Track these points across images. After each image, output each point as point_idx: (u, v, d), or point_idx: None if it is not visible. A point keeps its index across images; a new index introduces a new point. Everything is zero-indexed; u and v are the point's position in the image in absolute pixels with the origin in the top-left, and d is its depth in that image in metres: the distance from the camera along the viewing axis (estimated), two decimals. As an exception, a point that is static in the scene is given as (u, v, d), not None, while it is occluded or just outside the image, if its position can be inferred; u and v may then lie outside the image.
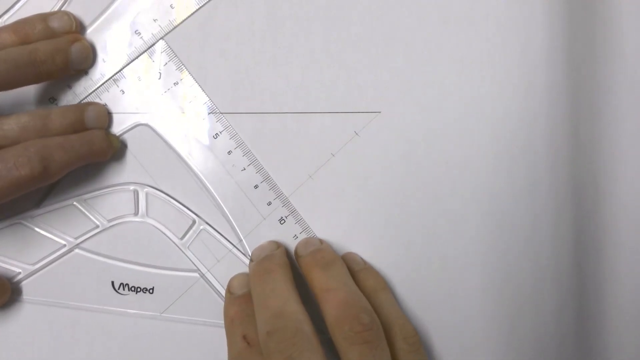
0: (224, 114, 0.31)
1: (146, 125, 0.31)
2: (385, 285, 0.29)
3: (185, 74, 0.31)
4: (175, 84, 0.31)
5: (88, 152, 0.29)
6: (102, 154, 0.30)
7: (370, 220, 0.30)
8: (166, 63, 0.31)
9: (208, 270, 0.31)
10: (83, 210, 0.31)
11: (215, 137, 0.31)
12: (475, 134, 0.30)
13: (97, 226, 0.31)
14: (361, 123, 0.30)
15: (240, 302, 0.28)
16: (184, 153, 0.31)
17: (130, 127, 0.31)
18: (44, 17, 0.29)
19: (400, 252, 0.30)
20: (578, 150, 0.30)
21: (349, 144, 0.30)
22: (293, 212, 0.31)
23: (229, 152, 0.31)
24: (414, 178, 0.30)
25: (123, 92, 0.31)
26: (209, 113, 0.31)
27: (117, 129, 0.31)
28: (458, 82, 0.30)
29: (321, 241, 0.30)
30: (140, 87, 0.31)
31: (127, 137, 0.31)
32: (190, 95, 0.31)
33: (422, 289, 0.30)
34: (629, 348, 0.29)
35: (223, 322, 0.28)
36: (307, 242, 0.30)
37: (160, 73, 0.31)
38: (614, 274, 0.30)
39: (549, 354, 0.30)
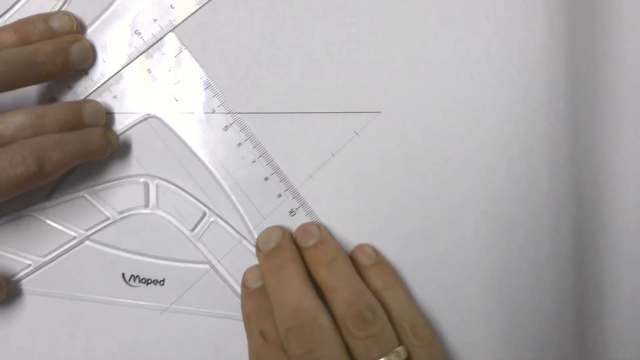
0: (231, 113, 0.31)
1: (156, 117, 0.31)
2: (396, 280, 0.29)
3: (195, 66, 0.31)
4: (186, 76, 0.31)
5: (85, 151, 0.28)
6: (99, 152, 0.29)
7: (369, 220, 0.30)
8: (176, 55, 0.31)
9: (218, 261, 0.31)
10: (93, 202, 0.31)
11: (225, 129, 0.31)
12: (475, 133, 0.30)
13: (108, 218, 0.31)
14: (361, 123, 0.30)
15: (256, 297, 0.29)
16: (194, 145, 0.31)
17: (140, 119, 0.31)
18: (44, 17, 0.29)
19: (400, 252, 0.30)
20: (578, 150, 0.30)
21: (349, 144, 0.30)
22: (303, 204, 0.31)
23: (239, 145, 0.31)
24: (414, 178, 0.30)
25: (125, 90, 0.31)
26: (218, 105, 0.31)
27: (120, 126, 0.31)
28: (458, 82, 0.30)
29: (319, 228, 0.30)
30: (145, 84, 0.31)
31: (138, 130, 0.31)
32: (201, 87, 0.31)
33: (422, 289, 0.30)
34: (629, 348, 0.29)
35: (234, 313, 0.29)
36: (305, 232, 0.29)
37: (169, 66, 0.31)
38: (614, 274, 0.30)
39: (549, 353, 0.30)
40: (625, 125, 0.30)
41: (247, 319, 0.28)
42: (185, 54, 0.31)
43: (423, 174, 0.30)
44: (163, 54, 0.31)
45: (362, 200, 0.30)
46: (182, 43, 0.31)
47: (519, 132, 0.30)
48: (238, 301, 0.30)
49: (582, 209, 0.30)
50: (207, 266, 0.31)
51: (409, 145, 0.30)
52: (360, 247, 0.30)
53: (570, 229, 0.30)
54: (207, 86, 0.31)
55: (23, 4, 0.31)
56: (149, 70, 0.31)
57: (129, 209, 0.31)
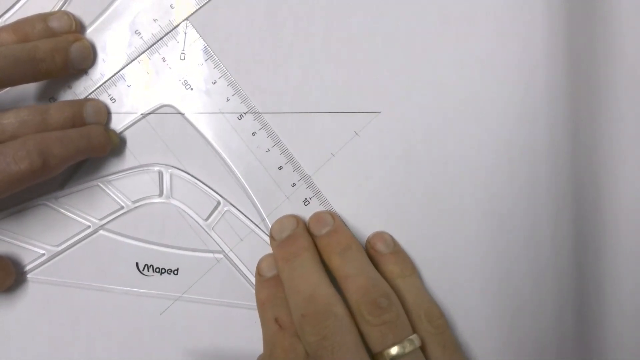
0: (245, 102, 0.31)
1: (171, 106, 0.31)
2: (413, 269, 0.29)
3: (209, 54, 0.31)
4: (200, 65, 0.31)
5: (87, 147, 0.29)
6: (100, 149, 0.30)
7: (369, 221, 0.30)
8: (191, 44, 0.31)
9: (231, 250, 0.31)
10: (107, 191, 0.31)
11: (239, 117, 0.31)
12: (475, 134, 0.30)
13: (122, 207, 0.31)
14: (361, 123, 0.30)
15: (270, 285, 0.29)
16: (208, 134, 0.31)
17: (155, 107, 0.31)
18: (43, 17, 0.30)
19: (400, 252, 0.30)
20: (578, 150, 0.30)
21: (349, 144, 0.30)
22: (317, 193, 0.30)
23: (254, 134, 0.31)
24: (414, 178, 0.30)
25: (129, 86, 0.31)
26: (233, 94, 0.31)
27: (118, 125, 0.31)
28: (458, 82, 0.30)
29: (333, 216, 0.29)
30: (147, 83, 0.31)
31: (152, 118, 0.31)
32: (215, 76, 0.31)
33: (422, 289, 0.30)
34: (629, 348, 0.29)
35: (248, 302, 0.30)
36: (318, 220, 0.29)
37: (184, 54, 0.31)
38: (614, 274, 0.30)
39: (549, 353, 0.30)
40: (625, 125, 0.30)
41: (262, 306, 0.29)
42: (198, 43, 0.31)
43: (423, 174, 0.30)
44: (177, 42, 0.31)
45: (361, 200, 0.30)
46: (196, 29, 0.31)
47: (519, 132, 0.30)
48: (252, 290, 0.30)
49: (582, 209, 0.30)
50: (221, 255, 0.31)
51: (409, 145, 0.30)
52: (379, 234, 0.30)
53: (570, 229, 0.30)
54: (222, 74, 0.31)
55: (23, 4, 0.31)
56: (163, 59, 0.31)
57: (143, 198, 0.31)
